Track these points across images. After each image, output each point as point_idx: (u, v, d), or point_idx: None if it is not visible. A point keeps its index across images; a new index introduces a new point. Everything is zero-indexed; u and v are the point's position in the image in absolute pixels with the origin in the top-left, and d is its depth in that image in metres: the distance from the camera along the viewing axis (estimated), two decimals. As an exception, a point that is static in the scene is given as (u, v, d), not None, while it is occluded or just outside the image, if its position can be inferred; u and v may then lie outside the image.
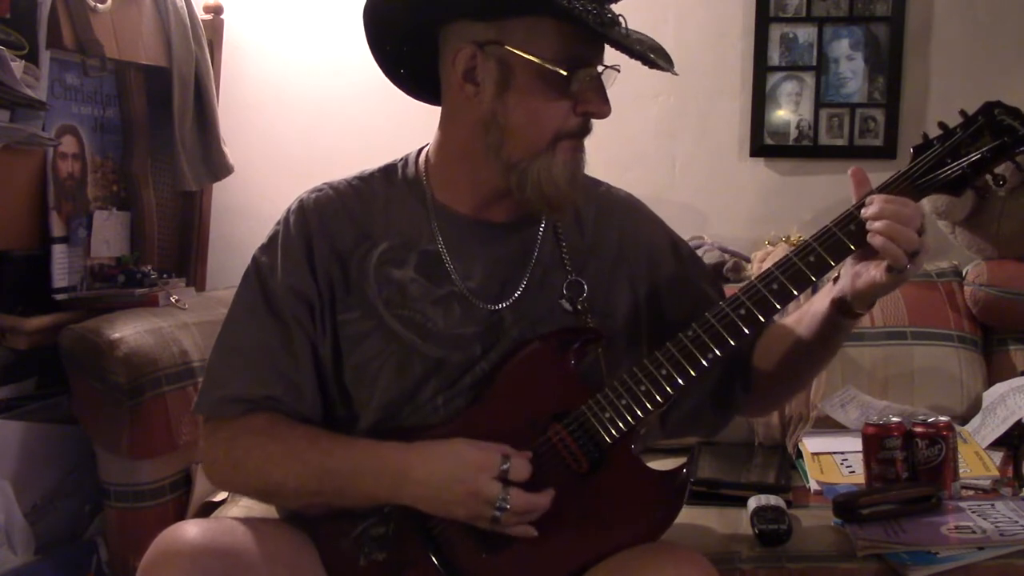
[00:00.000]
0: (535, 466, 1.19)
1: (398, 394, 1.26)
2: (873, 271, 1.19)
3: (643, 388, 1.21)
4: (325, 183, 1.33)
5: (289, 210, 1.32)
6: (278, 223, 1.32)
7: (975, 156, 1.21)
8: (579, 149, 1.26)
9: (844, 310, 1.24)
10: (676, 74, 1.25)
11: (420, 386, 1.26)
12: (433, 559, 1.21)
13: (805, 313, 1.32)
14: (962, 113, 1.26)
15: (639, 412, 1.20)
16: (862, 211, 1.19)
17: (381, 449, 1.21)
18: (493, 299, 1.29)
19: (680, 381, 1.20)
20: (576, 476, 1.21)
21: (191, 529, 1.15)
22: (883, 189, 1.23)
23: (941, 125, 1.27)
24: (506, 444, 1.19)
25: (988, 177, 1.24)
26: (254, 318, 1.27)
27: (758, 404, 1.44)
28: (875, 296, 1.23)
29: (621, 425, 1.20)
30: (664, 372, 1.20)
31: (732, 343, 1.20)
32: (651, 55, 1.25)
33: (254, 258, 1.31)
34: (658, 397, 1.20)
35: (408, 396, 1.26)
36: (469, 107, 1.23)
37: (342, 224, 1.29)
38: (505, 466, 1.15)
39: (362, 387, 1.27)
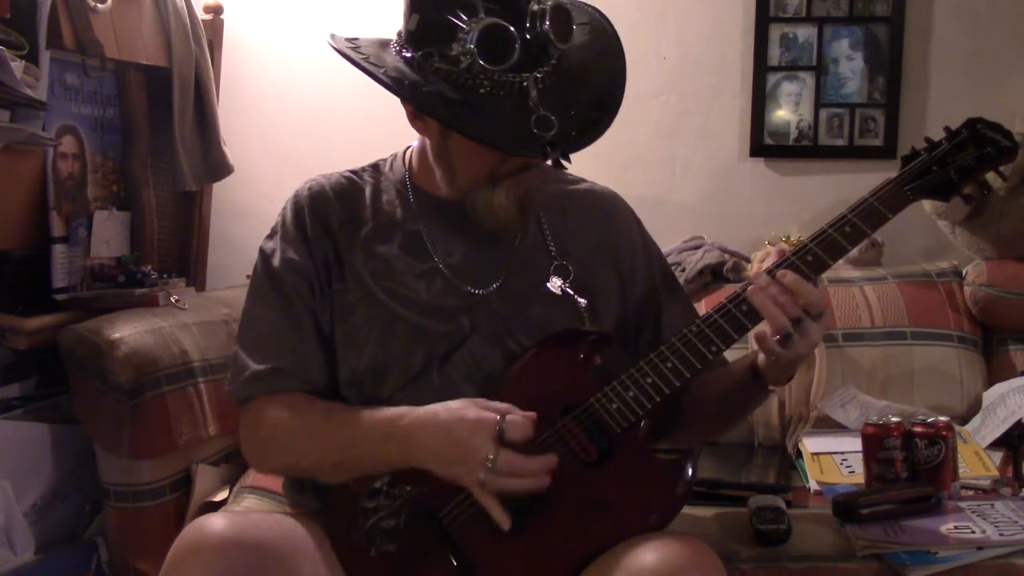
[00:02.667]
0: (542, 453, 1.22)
1: (384, 358, 1.32)
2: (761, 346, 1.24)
3: (650, 380, 1.26)
4: (319, 175, 1.44)
5: (287, 200, 1.42)
6: (279, 214, 1.42)
7: (960, 163, 1.33)
8: (525, 181, 1.30)
9: (759, 378, 1.29)
10: (565, 166, 1.20)
11: (409, 354, 1.32)
12: (444, 549, 1.22)
13: (732, 367, 1.37)
14: (946, 129, 1.37)
15: (647, 403, 1.25)
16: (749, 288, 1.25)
17: (388, 415, 1.25)
18: (476, 279, 1.36)
19: (686, 374, 1.26)
20: (585, 465, 1.25)
21: (218, 522, 1.16)
22: (875, 194, 1.31)
23: (927, 140, 1.37)
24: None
25: (974, 185, 1.35)
26: (261, 300, 1.37)
27: (680, 434, 1.48)
28: (768, 374, 1.27)
29: (629, 415, 1.25)
30: (670, 365, 1.26)
31: (735, 337, 1.26)
32: (553, 143, 1.20)
33: (260, 248, 1.41)
34: (665, 389, 1.26)
35: (398, 363, 1.31)
36: (426, 135, 1.35)
37: (333, 207, 1.39)
38: (501, 427, 1.17)
39: (350, 351, 1.34)
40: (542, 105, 1.19)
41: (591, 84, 1.26)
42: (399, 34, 1.30)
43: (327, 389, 1.35)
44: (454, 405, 1.22)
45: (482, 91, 1.20)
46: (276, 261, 1.37)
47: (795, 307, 1.20)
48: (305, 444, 1.29)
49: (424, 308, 1.34)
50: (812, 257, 1.26)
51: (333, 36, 1.33)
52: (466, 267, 1.36)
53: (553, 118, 1.18)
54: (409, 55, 1.25)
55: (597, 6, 1.33)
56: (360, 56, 1.29)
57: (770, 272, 1.24)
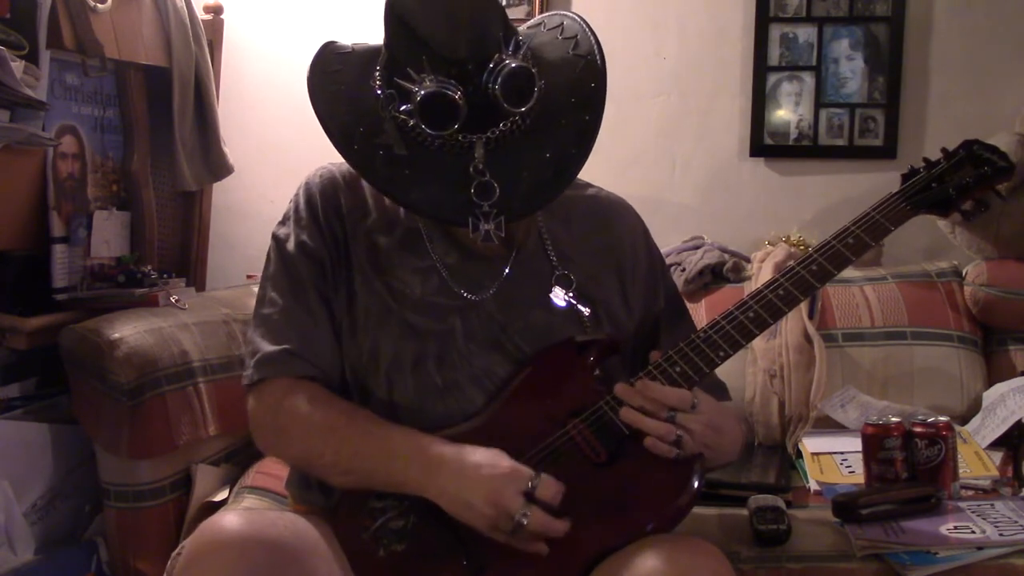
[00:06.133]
0: (551, 459, 1.23)
1: (377, 350, 1.31)
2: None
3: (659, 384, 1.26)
4: (328, 163, 1.42)
5: (299, 187, 1.41)
6: (291, 201, 1.41)
7: (958, 181, 1.41)
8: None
9: None
10: (494, 240, 1.19)
11: (399, 349, 1.31)
12: (453, 549, 1.22)
13: None
14: (943, 150, 1.45)
15: None
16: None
17: (417, 439, 1.23)
18: (472, 283, 1.34)
19: (694, 377, 1.27)
20: (595, 466, 1.25)
21: (236, 520, 1.15)
22: (877, 208, 1.38)
23: (925, 159, 1.45)
24: (525, 439, 1.23)
25: (972, 202, 1.44)
26: (275, 285, 1.36)
27: None
28: None
29: None
30: (678, 370, 1.27)
31: (742, 343, 1.29)
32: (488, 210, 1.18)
33: (272, 234, 1.40)
34: None
35: (389, 356, 1.31)
36: None
37: (343, 192, 1.38)
38: (533, 484, 1.16)
39: (353, 340, 1.33)
40: (490, 167, 1.18)
41: (558, 136, 1.23)
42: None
43: (338, 375, 1.35)
44: (488, 451, 1.20)
45: (432, 148, 1.20)
46: (290, 246, 1.35)
47: (665, 411, 1.21)
48: (321, 443, 1.27)
49: (416, 305, 1.33)
50: (816, 267, 1.32)
51: (324, 50, 1.32)
52: (463, 269, 1.35)
53: (496, 185, 1.17)
54: (379, 92, 1.24)
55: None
56: (331, 89, 1.27)
57: (631, 383, 1.25)
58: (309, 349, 1.32)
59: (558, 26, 1.33)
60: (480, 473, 1.17)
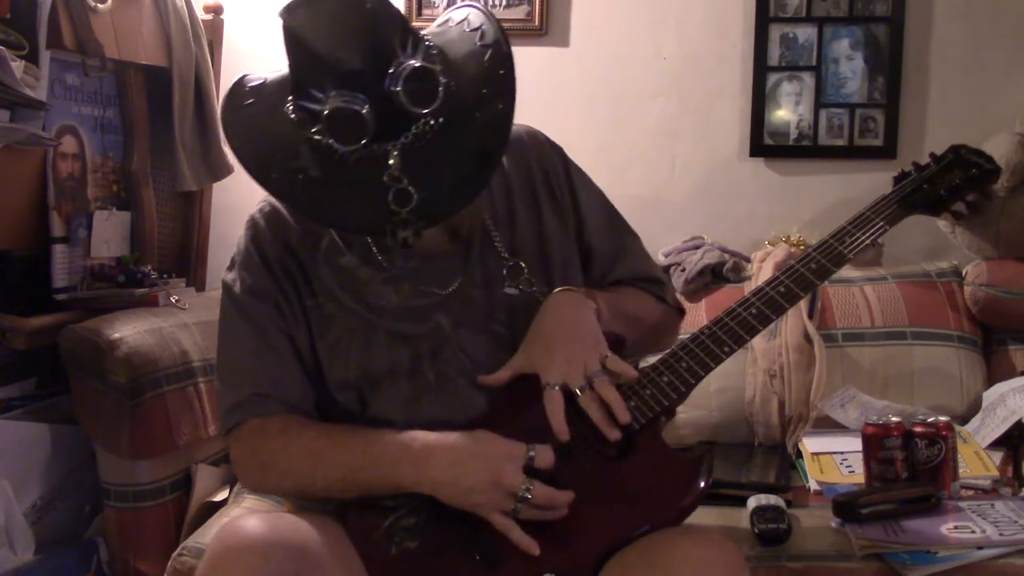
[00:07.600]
0: (563, 453, 1.23)
1: (371, 366, 1.30)
2: None
3: (666, 379, 1.29)
4: (265, 198, 1.38)
5: (244, 230, 1.38)
6: (236, 245, 1.39)
7: (948, 182, 1.50)
8: None
9: None
10: (411, 245, 1.15)
11: (394, 358, 1.30)
12: (466, 544, 1.22)
13: None
14: (932, 155, 1.54)
15: (664, 401, 1.28)
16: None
17: (400, 437, 1.23)
18: (440, 278, 1.33)
19: (701, 373, 1.30)
20: (605, 460, 1.26)
21: (257, 524, 1.15)
22: (872, 208, 1.45)
23: (914, 164, 1.53)
24: (532, 435, 1.22)
25: (962, 204, 1.52)
26: (232, 331, 1.34)
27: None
28: None
29: (647, 412, 1.27)
30: (684, 365, 1.30)
31: (747, 338, 1.31)
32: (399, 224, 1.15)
33: (222, 281, 1.38)
34: (681, 387, 1.29)
35: (386, 368, 1.30)
36: None
37: (289, 225, 1.35)
38: (531, 453, 1.18)
39: (336, 363, 1.32)
40: (407, 173, 1.14)
41: (476, 129, 1.19)
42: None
43: (311, 408, 1.33)
44: (474, 434, 1.20)
45: (350, 164, 1.16)
46: (238, 290, 1.34)
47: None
48: (310, 470, 1.25)
49: (397, 313, 1.32)
50: (816, 265, 1.37)
51: (236, 85, 1.30)
52: (426, 270, 1.34)
53: (412, 190, 1.14)
54: (292, 116, 1.21)
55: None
56: (244, 122, 1.25)
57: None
58: (277, 388, 1.30)
59: (463, 19, 1.28)
60: (475, 457, 1.18)
